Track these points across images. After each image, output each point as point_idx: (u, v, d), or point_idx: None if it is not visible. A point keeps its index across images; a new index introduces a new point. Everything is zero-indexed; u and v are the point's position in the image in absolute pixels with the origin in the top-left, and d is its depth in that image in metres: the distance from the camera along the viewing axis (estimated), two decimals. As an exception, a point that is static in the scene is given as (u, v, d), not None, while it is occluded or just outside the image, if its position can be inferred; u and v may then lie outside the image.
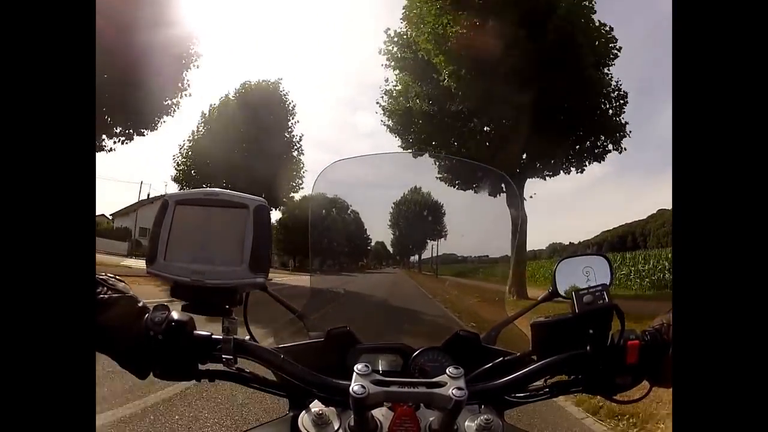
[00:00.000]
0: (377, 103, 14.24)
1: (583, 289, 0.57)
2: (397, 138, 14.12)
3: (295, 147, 23.31)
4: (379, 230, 1.39)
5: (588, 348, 0.56)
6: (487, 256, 1.17)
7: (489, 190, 1.09)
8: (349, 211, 1.27)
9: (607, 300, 0.56)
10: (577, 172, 13.45)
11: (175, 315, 0.56)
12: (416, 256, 1.81)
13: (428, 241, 1.57)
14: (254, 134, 21.14)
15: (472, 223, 1.15)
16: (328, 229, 1.13)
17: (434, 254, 1.55)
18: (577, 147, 12.95)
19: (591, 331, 0.56)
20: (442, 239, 1.44)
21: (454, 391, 0.50)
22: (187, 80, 13.53)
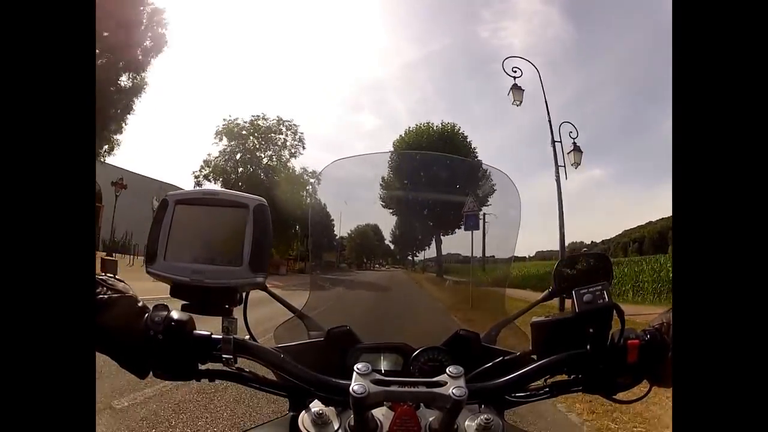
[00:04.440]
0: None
1: (584, 288, 0.57)
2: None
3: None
4: (382, 231, 1.38)
5: (588, 347, 0.56)
6: (494, 256, 1.16)
7: (491, 190, 1.09)
8: (348, 210, 1.25)
9: (607, 299, 0.56)
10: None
11: (174, 314, 0.56)
12: (418, 256, 1.76)
13: (432, 239, 1.54)
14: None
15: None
16: (327, 228, 1.12)
17: (434, 254, 1.53)
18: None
19: (591, 331, 0.56)
20: (444, 239, 1.42)
21: (454, 391, 0.50)
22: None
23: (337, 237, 1.30)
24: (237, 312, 0.62)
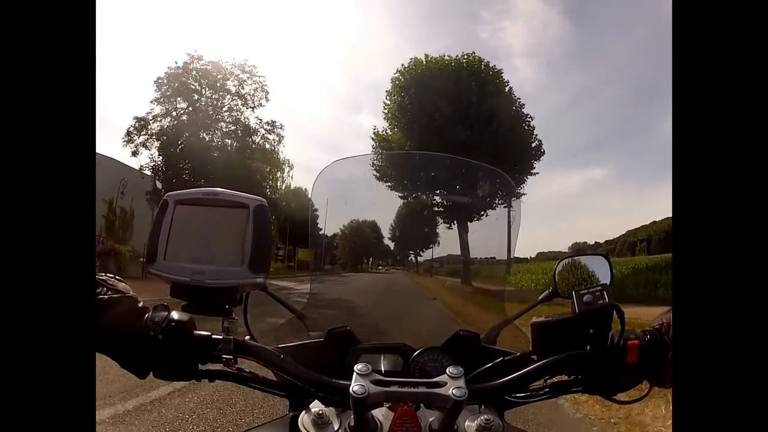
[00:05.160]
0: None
1: (584, 289, 0.57)
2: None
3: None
4: (381, 229, 1.36)
5: (588, 348, 0.56)
6: (494, 257, 1.15)
7: (490, 191, 1.09)
8: (348, 211, 1.21)
9: (606, 300, 0.56)
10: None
11: (175, 315, 0.56)
12: (419, 256, 1.68)
13: (435, 239, 1.50)
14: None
15: (478, 224, 1.14)
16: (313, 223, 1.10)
17: (434, 255, 1.51)
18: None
19: (591, 331, 0.56)
20: (444, 240, 1.41)
21: (454, 391, 0.50)
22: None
23: (321, 232, 1.20)
24: (237, 312, 0.62)
